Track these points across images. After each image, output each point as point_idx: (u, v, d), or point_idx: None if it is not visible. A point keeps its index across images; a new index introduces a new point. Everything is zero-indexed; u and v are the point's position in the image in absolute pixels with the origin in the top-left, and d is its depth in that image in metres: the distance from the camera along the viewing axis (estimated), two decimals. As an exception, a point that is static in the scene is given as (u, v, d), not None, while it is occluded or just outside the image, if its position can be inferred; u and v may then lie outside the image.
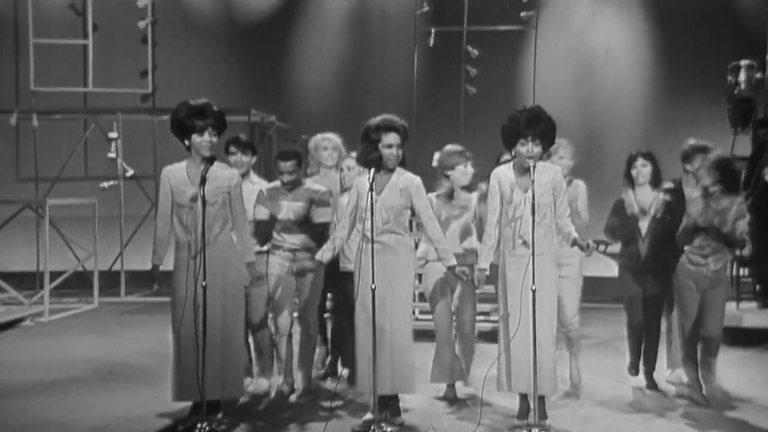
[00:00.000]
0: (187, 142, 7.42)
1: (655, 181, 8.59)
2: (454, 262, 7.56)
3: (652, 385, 8.76)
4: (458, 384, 8.54)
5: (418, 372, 8.24)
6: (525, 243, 7.26)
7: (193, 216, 7.33)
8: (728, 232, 7.97)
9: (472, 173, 8.50)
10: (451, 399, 8.40)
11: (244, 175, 8.32)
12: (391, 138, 7.41)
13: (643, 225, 8.54)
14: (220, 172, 7.47)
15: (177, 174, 7.46)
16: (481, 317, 11.23)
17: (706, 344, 8.19)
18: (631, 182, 8.63)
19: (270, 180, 9.08)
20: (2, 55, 16.42)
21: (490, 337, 9.98)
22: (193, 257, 7.29)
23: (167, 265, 7.59)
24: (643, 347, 8.77)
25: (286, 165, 8.37)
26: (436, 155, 8.69)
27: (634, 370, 8.87)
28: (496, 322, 9.34)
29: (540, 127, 7.23)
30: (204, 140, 7.36)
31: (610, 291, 8.90)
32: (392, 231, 7.42)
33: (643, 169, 8.55)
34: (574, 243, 7.46)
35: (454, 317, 8.46)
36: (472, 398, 8.34)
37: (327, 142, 9.09)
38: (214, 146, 7.44)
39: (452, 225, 8.42)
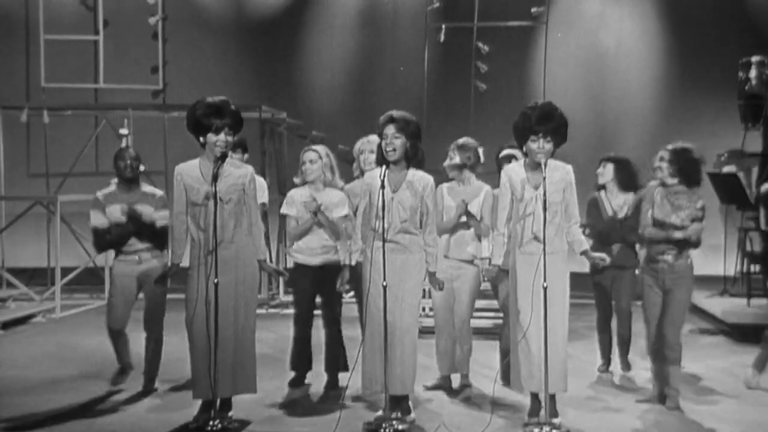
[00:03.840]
0: (202, 140, 7.39)
1: (625, 185, 8.92)
2: (434, 269, 7.64)
3: (626, 367, 9.07)
4: (454, 376, 8.81)
5: (424, 369, 8.29)
6: (536, 238, 7.25)
7: (207, 214, 7.33)
8: (683, 233, 7.96)
9: (456, 164, 8.59)
10: (447, 389, 8.68)
11: None
12: (388, 129, 7.39)
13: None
14: (233, 169, 7.47)
15: (190, 172, 7.44)
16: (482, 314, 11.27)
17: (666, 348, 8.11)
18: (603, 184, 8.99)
19: (280, 176, 9.16)
20: (13, 51, 16.43)
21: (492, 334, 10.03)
22: (207, 255, 7.28)
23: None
24: (618, 333, 9.06)
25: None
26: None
27: (605, 367, 9.18)
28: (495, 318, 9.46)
29: (551, 124, 7.22)
30: (219, 139, 7.33)
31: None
32: (408, 231, 7.42)
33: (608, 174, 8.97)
34: (584, 254, 7.48)
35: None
36: (483, 396, 8.36)
37: (367, 145, 8.98)
38: (230, 145, 7.43)
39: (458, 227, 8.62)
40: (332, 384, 8.70)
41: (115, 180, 8.79)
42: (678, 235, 7.92)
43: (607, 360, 9.21)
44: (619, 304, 9.04)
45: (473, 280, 8.67)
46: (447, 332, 8.72)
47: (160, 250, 8.61)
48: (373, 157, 8.82)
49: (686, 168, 8.02)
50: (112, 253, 8.76)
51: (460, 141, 8.70)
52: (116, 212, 8.45)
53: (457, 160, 8.62)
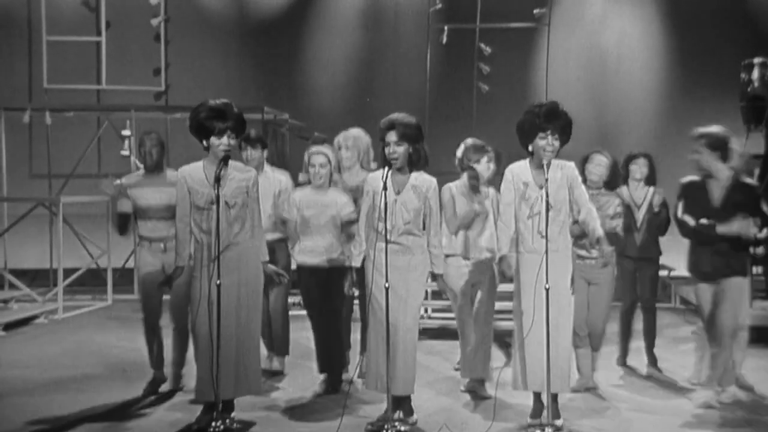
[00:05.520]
0: (205, 143, 7.40)
1: (650, 179, 9.27)
2: (442, 271, 7.64)
3: (653, 361, 9.31)
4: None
5: (426, 371, 8.27)
6: (544, 237, 7.23)
7: (211, 217, 7.32)
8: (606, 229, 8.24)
9: (494, 169, 8.55)
10: (471, 393, 8.50)
11: (257, 169, 8.31)
12: (390, 136, 7.39)
13: (639, 217, 9.18)
14: (237, 172, 7.48)
15: (194, 175, 7.44)
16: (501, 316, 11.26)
17: (590, 337, 8.64)
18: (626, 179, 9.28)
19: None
20: (15, 52, 16.43)
21: (506, 335, 10.02)
22: (213, 259, 7.26)
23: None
24: (644, 326, 9.36)
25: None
26: (462, 147, 8.64)
27: (623, 359, 9.56)
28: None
29: (559, 121, 7.24)
30: (222, 143, 7.34)
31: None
32: (411, 232, 7.42)
33: (643, 168, 9.24)
34: (598, 242, 7.48)
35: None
36: (485, 396, 8.36)
37: (344, 141, 8.99)
38: (233, 148, 7.44)
39: (474, 221, 8.47)
40: (333, 384, 8.65)
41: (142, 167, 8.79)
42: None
43: (624, 352, 9.57)
44: (643, 296, 9.33)
45: (492, 281, 8.56)
46: (470, 336, 8.52)
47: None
48: (349, 154, 8.85)
49: (615, 173, 8.81)
50: (118, 254, 8.75)
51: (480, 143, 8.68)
52: (147, 194, 8.49)
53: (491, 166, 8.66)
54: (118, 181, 8.63)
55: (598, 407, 8.19)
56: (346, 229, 8.51)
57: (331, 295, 8.56)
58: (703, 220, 8.02)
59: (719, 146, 8.11)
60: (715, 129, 8.21)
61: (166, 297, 8.49)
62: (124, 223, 8.66)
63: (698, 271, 8.17)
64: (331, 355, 8.63)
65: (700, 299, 8.18)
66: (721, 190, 8.08)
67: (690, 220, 8.11)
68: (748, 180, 8.35)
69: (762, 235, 8.12)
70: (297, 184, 9.05)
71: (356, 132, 8.97)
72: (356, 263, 7.64)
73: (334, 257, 8.53)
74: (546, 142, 7.26)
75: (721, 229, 7.99)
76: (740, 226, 8.01)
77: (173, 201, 8.33)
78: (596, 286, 8.57)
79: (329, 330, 8.59)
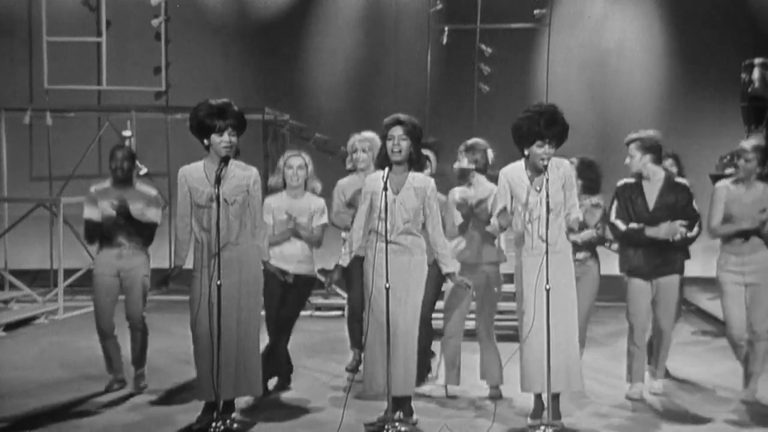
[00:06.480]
0: (206, 142, 7.39)
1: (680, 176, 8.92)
2: (452, 269, 7.61)
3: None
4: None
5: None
6: (543, 241, 7.23)
7: (212, 216, 7.32)
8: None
9: (467, 167, 8.44)
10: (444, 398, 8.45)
11: None
12: (396, 131, 7.41)
13: None
14: (238, 171, 7.48)
15: (194, 174, 7.45)
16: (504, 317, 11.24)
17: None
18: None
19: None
20: (16, 53, 16.41)
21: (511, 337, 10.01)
22: (213, 257, 7.26)
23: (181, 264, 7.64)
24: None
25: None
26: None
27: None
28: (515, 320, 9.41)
29: (557, 128, 7.26)
30: (224, 140, 7.34)
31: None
32: (410, 232, 7.42)
33: (673, 169, 9.06)
34: (573, 226, 7.52)
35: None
36: (487, 399, 8.34)
37: (359, 144, 8.97)
38: (234, 146, 7.43)
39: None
40: (280, 387, 8.77)
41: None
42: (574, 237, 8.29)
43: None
44: None
45: (490, 286, 8.47)
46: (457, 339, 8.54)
47: (143, 246, 8.62)
48: (365, 156, 8.83)
49: (594, 178, 8.76)
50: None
51: (470, 142, 8.57)
52: (107, 206, 8.47)
53: (464, 163, 8.52)
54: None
55: (591, 403, 8.20)
56: (312, 238, 8.57)
57: (289, 303, 8.61)
58: (633, 225, 8.12)
59: (652, 149, 8.25)
60: (648, 132, 8.35)
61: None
62: (89, 231, 8.70)
63: (635, 269, 8.23)
64: (279, 360, 8.70)
65: (634, 296, 8.27)
66: (655, 191, 8.20)
67: (621, 225, 8.23)
68: (681, 180, 8.37)
69: (692, 234, 8.14)
70: (268, 188, 8.96)
71: (370, 135, 8.90)
72: (344, 262, 7.64)
73: (303, 266, 8.57)
74: (543, 150, 7.27)
75: (650, 232, 8.12)
76: (667, 230, 8.10)
77: (134, 211, 8.40)
78: (579, 282, 8.30)
79: (280, 336, 8.65)
